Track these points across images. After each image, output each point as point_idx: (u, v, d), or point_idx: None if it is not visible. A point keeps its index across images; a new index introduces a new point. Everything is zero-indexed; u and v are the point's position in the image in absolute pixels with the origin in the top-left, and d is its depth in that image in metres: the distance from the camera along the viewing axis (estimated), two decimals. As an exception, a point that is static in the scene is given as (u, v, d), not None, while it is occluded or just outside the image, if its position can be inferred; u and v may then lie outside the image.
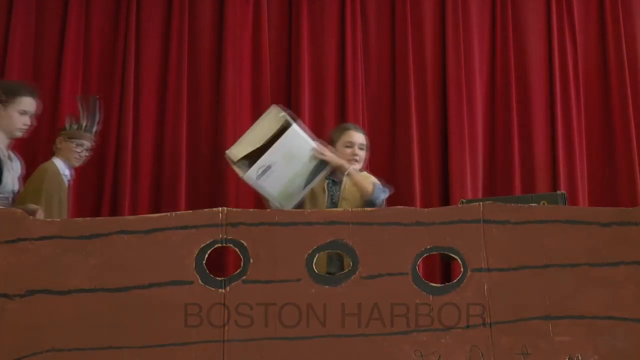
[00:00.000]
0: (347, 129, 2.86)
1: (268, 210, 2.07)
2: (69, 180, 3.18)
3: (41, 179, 3.00)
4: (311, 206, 2.74)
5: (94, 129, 3.28)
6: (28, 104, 2.66)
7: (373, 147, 3.50)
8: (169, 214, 1.78)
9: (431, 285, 1.76)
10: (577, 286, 1.77)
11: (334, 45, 3.76)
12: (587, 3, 3.97)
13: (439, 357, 1.68)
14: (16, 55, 3.57)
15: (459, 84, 3.73)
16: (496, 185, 3.73)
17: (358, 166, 2.80)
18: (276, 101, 3.68)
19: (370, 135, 3.59)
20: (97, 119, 3.28)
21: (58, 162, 3.16)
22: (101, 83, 3.65)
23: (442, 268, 3.45)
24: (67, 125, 3.24)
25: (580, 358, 1.71)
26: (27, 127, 2.70)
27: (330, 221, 1.76)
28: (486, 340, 1.71)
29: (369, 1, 3.85)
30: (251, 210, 1.81)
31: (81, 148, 3.20)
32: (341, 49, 3.76)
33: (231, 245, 1.73)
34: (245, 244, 1.73)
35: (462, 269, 1.77)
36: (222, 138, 3.55)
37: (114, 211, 3.45)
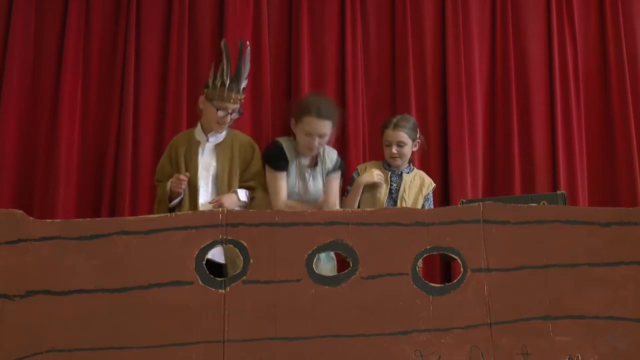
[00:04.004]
0: (387, 127, 2.92)
1: (268, 210, 2.06)
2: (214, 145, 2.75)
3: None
4: (371, 196, 2.85)
5: (242, 86, 2.73)
6: (312, 125, 2.64)
7: (373, 147, 3.52)
8: (169, 214, 1.78)
9: (431, 285, 1.76)
10: (577, 286, 1.77)
11: (334, 45, 3.75)
12: (587, 3, 3.96)
13: (439, 357, 1.68)
14: (16, 55, 3.57)
15: (459, 84, 3.73)
16: (496, 185, 3.72)
17: (400, 162, 2.91)
18: (276, 101, 3.69)
19: (370, 135, 3.60)
20: (245, 72, 2.72)
21: (198, 127, 2.78)
22: (101, 83, 3.64)
23: (442, 268, 3.45)
24: (210, 81, 2.71)
25: (580, 358, 1.71)
26: (315, 147, 2.68)
27: (330, 221, 1.76)
28: (486, 340, 1.71)
29: (369, 1, 3.84)
30: (251, 210, 1.81)
31: (224, 112, 2.66)
32: (341, 49, 3.75)
33: (231, 245, 1.73)
34: (245, 244, 1.73)
35: (462, 269, 1.77)
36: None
37: (114, 211, 3.45)
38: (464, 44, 3.78)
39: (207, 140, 2.77)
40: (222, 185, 2.72)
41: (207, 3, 3.73)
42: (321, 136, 2.69)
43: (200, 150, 2.76)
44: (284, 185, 2.71)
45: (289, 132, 3.66)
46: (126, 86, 3.57)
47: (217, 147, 2.78)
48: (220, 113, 2.69)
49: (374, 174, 2.85)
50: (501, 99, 3.81)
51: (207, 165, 2.75)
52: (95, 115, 3.61)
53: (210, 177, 2.74)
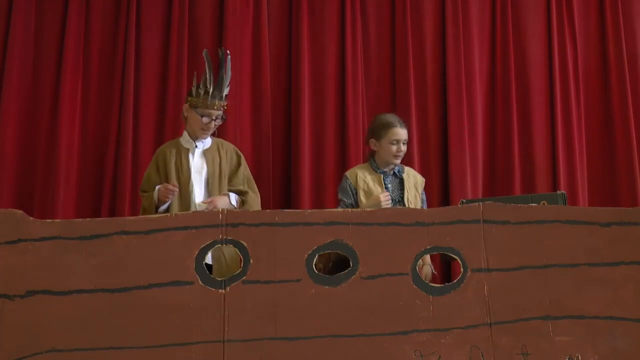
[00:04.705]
0: (393, 126, 2.92)
1: (268, 210, 2.06)
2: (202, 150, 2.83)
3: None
4: (366, 199, 2.82)
5: (224, 93, 2.83)
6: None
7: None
8: (169, 214, 1.78)
9: (431, 285, 1.77)
10: (577, 286, 1.77)
11: (334, 45, 3.75)
12: (587, 3, 3.96)
13: (439, 357, 1.68)
14: (16, 55, 3.57)
15: (459, 84, 3.73)
16: (496, 185, 3.72)
17: (399, 161, 2.93)
18: (276, 101, 3.69)
19: (370, 135, 3.61)
20: (227, 79, 2.83)
21: (184, 135, 2.86)
22: (101, 83, 3.64)
23: (442, 268, 3.45)
24: (193, 90, 2.82)
25: (580, 358, 1.71)
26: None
27: (330, 221, 1.76)
28: (486, 340, 1.71)
29: (369, 1, 3.84)
30: (251, 210, 1.81)
31: (208, 119, 2.78)
32: (341, 49, 3.75)
33: (231, 245, 1.73)
34: (245, 244, 1.73)
35: (462, 269, 1.77)
36: (221, 138, 3.54)
37: (114, 212, 3.45)
38: (464, 44, 3.78)
39: (196, 146, 2.85)
40: (213, 188, 2.80)
41: (207, 3, 3.73)
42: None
43: (190, 155, 2.83)
44: None
45: (288, 132, 3.69)
46: (126, 86, 3.57)
47: (206, 152, 2.87)
48: (205, 119, 2.79)
49: (382, 202, 2.76)
50: (501, 99, 3.80)
51: (199, 168, 2.83)
52: (95, 115, 3.60)
53: (203, 180, 2.82)
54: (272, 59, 3.72)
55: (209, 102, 2.79)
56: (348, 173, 2.95)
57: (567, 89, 3.80)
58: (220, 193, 2.81)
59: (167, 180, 2.79)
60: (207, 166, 2.83)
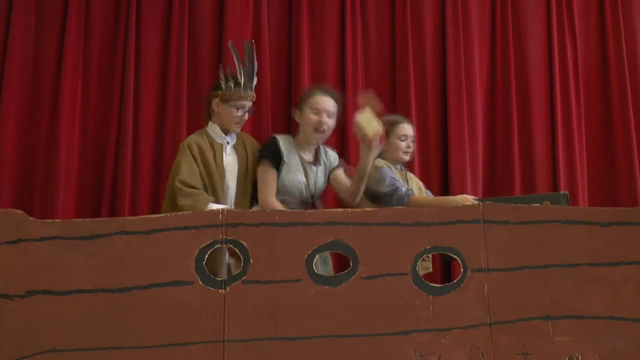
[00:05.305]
0: (400, 122, 3.00)
1: (267, 211, 2.06)
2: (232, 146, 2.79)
3: (177, 159, 2.75)
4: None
5: (254, 83, 2.81)
6: (319, 101, 2.77)
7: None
8: (169, 214, 1.78)
9: (431, 285, 1.77)
10: (577, 286, 1.78)
11: (334, 45, 3.75)
12: (587, 3, 3.97)
13: (439, 357, 1.69)
14: (16, 55, 3.56)
15: (459, 84, 3.73)
16: (496, 185, 3.72)
17: (408, 157, 3.00)
18: (276, 101, 3.69)
19: (370, 135, 3.61)
20: (255, 70, 2.80)
21: (212, 129, 2.79)
22: (101, 83, 3.64)
23: (442, 268, 3.45)
24: (223, 83, 2.76)
25: (580, 358, 1.71)
26: (323, 125, 2.76)
27: (330, 221, 1.76)
28: (486, 340, 1.71)
29: (369, 1, 3.85)
30: (251, 210, 1.81)
31: (242, 111, 2.74)
32: (341, 49, 3.75)
33: (231, 245, 1.73)
34: (245, 244, 1.73)
35: (462, 269, 1.77)
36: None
37: (114, 211, 3.45)
38: (464, 44, 3.78)
39: (227, 142, 2.80)
40: (241, 185, 2.75)
41: (207, 3, 3.73)
42: (328, 114, 2.76)
43: (224, 153, 2.77)
44: (273, 179, 2.71)
45: (288, 132, 3.67)
46: (126, 86, 3.57)
47: (235, 147, 2.82)
48: (240, 112, 2.74)
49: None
50: (501, 99, 3.81)
51: (232, 166, 2.78)
52: (95, 115, 3.60)
53: (235, 178, 2.76)
54: (272, 59, 3.71)
55: (241, 94, 2.74)
56: (384, 163, 2.92)
57: (567, 89, 3.81)
58: (246, 189, 2.75)
59: (208, 174, 2.68)
60: (238, 162, 2.78)
